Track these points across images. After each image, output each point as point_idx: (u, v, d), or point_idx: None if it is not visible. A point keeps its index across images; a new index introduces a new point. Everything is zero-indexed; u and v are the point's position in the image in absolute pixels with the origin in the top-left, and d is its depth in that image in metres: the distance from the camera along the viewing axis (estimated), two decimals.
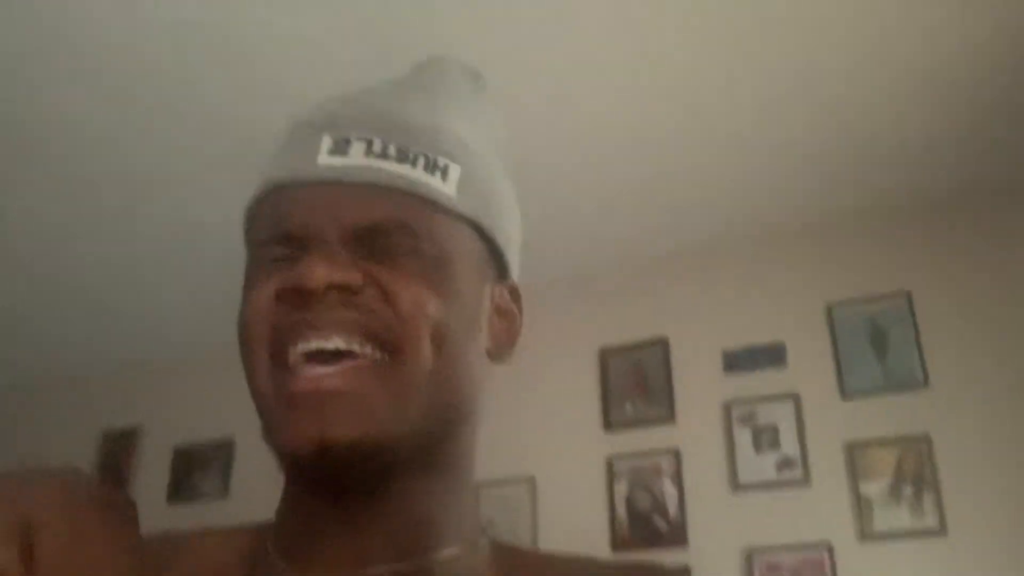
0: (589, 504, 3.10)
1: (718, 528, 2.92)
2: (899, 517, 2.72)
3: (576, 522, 3.09)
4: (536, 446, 3.18)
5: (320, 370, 0.52)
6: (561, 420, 3.25)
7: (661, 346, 3.25)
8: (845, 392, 2.93)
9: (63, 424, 4.24)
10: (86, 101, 2.58)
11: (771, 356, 3.07)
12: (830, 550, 2.74)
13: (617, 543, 3.02)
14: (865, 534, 2.73)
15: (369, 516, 0.57)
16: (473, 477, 0.63)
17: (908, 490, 2.74)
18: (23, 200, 3.04)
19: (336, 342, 0.53)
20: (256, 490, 3.44)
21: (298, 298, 0.53)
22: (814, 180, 2.96)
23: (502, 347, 0.64)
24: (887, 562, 2.68)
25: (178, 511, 3.69)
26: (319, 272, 0.52)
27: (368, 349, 0.53)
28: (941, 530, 2.65)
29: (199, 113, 2.64)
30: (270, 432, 0.54)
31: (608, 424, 3.22)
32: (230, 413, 3.65)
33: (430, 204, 0.57)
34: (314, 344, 0.53)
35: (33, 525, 0.47)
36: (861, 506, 2.77)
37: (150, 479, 3.90)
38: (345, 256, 0.55)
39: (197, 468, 3.86)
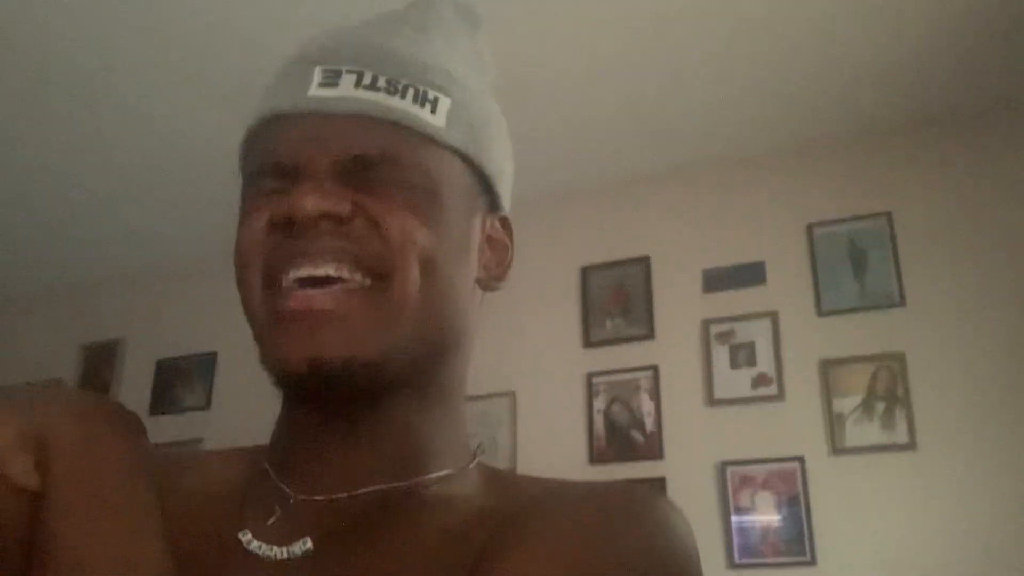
0: (568, 419, 3.16)
1: (693, 442, 2.98)
2: (870, 432, 2.78)
3: (555, 436, 3.15)
4: (517, 362, 3.22)
5: (312, 292, 0.54)
6: (542, 337, 3.29)
7: (642, 265, 3.27)
8: (822, 310, 2.97)
9: (44, 338, 4.24)
10: (63, 8, 2.51)
11: (750, 275, 3.09)
12: (802, 463, 2.81)
13: (595, 457, 3.09)
14: (836, 448, 2.80)
15: (363, 437, 0.59)
16: (463, 403, 0.65)
17: (880, 406, 2.80)
18: None
19: (326, 269, 0.54)
20: (238, 402, 3.48)
21: (290, 227, 0.55)
22: (796, 101, 2.94)
23: (493, 277, 0.66)
24: (857, 474, 2.76)
25: (161, 423, 3.72)
26: (309, 202, 0.54)
27: (358, 276, 0.55)
28: (911, 445, 2.72)
29: (183, 26, 2.57)
30: (264, 353, 0.56)
31: (588, 341, 3.25)
32: (212, 326, 3.66)
33: (419, 135, 0.58)
34: (305, 271, 0.55)
35: (48, 436, 0.48)
36: (833, 421, 2.83)
37: (132, 392, 3.92)
38: (335, 186, 0.56)
39: (179, 381, 3.88)
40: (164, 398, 3.88)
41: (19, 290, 4.34)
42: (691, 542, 0.55)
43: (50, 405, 0.49)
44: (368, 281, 0.55)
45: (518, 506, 0.55)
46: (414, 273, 0.56)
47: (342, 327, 0.54)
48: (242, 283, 0.58)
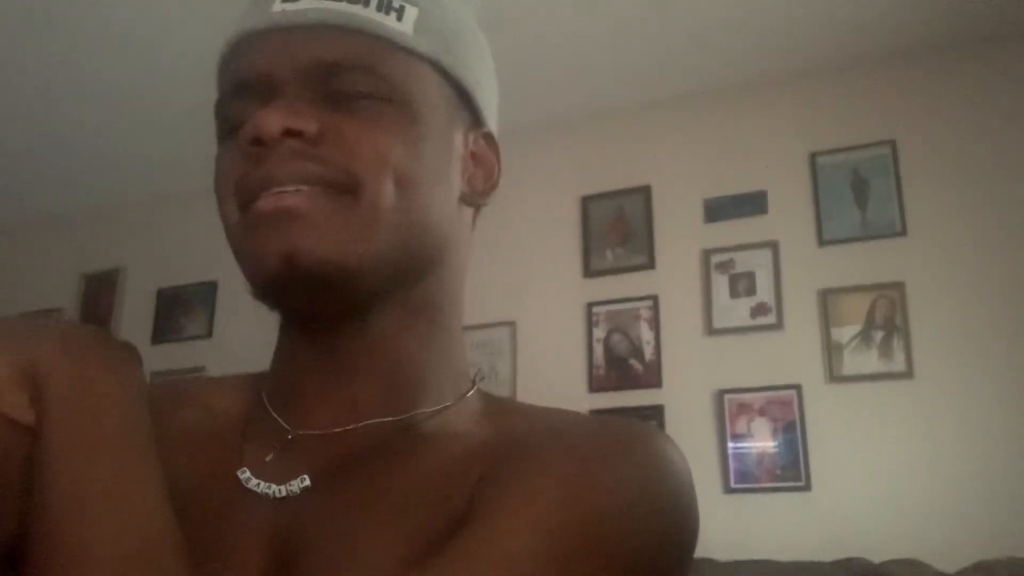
0: (568, 348, 3.18)
1: (692, 371, 3.01)
2: (868, 361, 2.80)
3: (555, 365, 3.17)
4: (517, 292, 3.22)
5: (288, 194, 0.54)
6: (542, 266, 3.28)
7: (643, 194, 3.25)
8: (823, 240, 2.96)
9: (44, 267, 4.23)
10: None
11: (752, 204, 3.08)
12: (799, 391, 2.84)
13: (594, 385, 3.11)
14: (834, 376, 2.83)
15: (353, 361, 0.59)
16: (458, 329, 0.64)
17: (878, 335, 2.82)
18: None
19: (298, 200, 0.54)
20: (240, 331, 3.50)
21: (257, 149, 0.54)
22: (800, 27, 2.88)
23: (478, 193, 0.64)
24: (853, 402, 2.79)
25: (162, 352, 3.74)
26: (273, 119, 0.53)
27: (331, 193, 0.55)
28: (907, 373, 2.75)
29: None
30: (243, 267, 0.56)
31: (588, 271, 3.25)
32: (213, 254, 3.64)
33: (385, 42, 0.57)
34: (274, 190, 0.54)
35: (41, 371, 0.47)
36: (831, 350, 2.85)
37: (133, 321, 3.94)
38: (303, 105, 0.55)
39: (180, 309, 3.90)
40: (166, 327, 3.90)
41: (19, 219, 4.32)
42: (687, 479, 0.55)
43: (44, 341, 0.48)
44: (340, 197, 0.55)
45: (515, 441, 0.55)
46: (388, 191, 0.55)
47: (315, 226, 0.53)
48: (221, 211, 0.58)
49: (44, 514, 0.45)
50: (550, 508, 0.49)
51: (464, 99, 0.63)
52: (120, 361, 0.51)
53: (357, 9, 0.57)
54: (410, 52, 0.59)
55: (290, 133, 0.54)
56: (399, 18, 0.58)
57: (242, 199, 0.56)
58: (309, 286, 0.54)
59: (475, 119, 0.65)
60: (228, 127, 0.58)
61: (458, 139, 0.62)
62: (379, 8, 0.58)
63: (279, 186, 0.54)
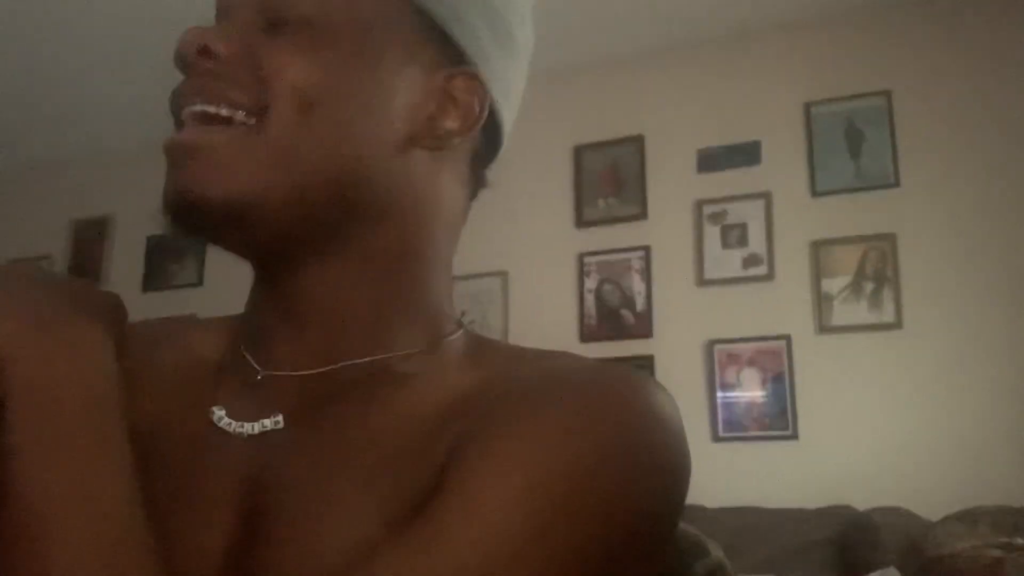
0: (560, 298, 3.18)
1: (683, 321, 3.02)
2: (857, 312, 2.82)
3: (546, 315, 3.18)
4: (509, 242, 3.22)
5: (188, 128, 0.54)
6: (534, 216, 3.28)
7: (636, 144, 3.23)
8: (816, 191, 2.96)
9: (33, 214, 4.20)
10: None
11: (745, 155, 3.06)
12: (788, 341, 2.86)
13: (585, 335, 3.13)
14: (823, 327, 2.84)
15: (306, 305, 0.58)
16: (432, 278, 0.61)
17: (869, 287, 2.83)
18: None
19: (205, 107, 0.54)
20: (231, 278, 3.47)
21: (182, 66, 0.55)
22: None
23: (441, 136, 0.59)
24: (842, 352, 2.81)
25: (153, 299, 3.74)
26: (191, 38, 0.54)
27: (240, 115, 0.54)
28: (896, 324, 2.76)
29: None
30: None
31: (580, 221, 3.24)
32: None
33: None
34: (187, 109, 0.54)
35: (4, 353, 0.44)
36: (821, 301, 2.86)
37: (124, 268, 3.93)
38: (231, 28, 0.56)
39: (171, 257, 3.88)
40: (156, 275, 3.89)
41: (8, 166, 4.27)
42: (679, 430, 0.54)
43: (7, 320, 0.45)
44: (249, 120, 0.54)
45: (498, 392, 0.53)
46: (288, 111, 0.53)
47: (211, 161, 0.53)
48: None
49: (6, 502, 0.43)
50: (533, 474, 0.47)
51: (435, 32, 0.59)
52: (92, 335, 0.49)
53: None
54: None
55: (205, 51, 0.54)
56: None
57: (175, 115, 0.57)
58: (201, 222, 0.54)
59: (454, 57, 0.60)
60: None
61: (411, 72, 0.58)
62: None
63: (191, 100, 0.54)
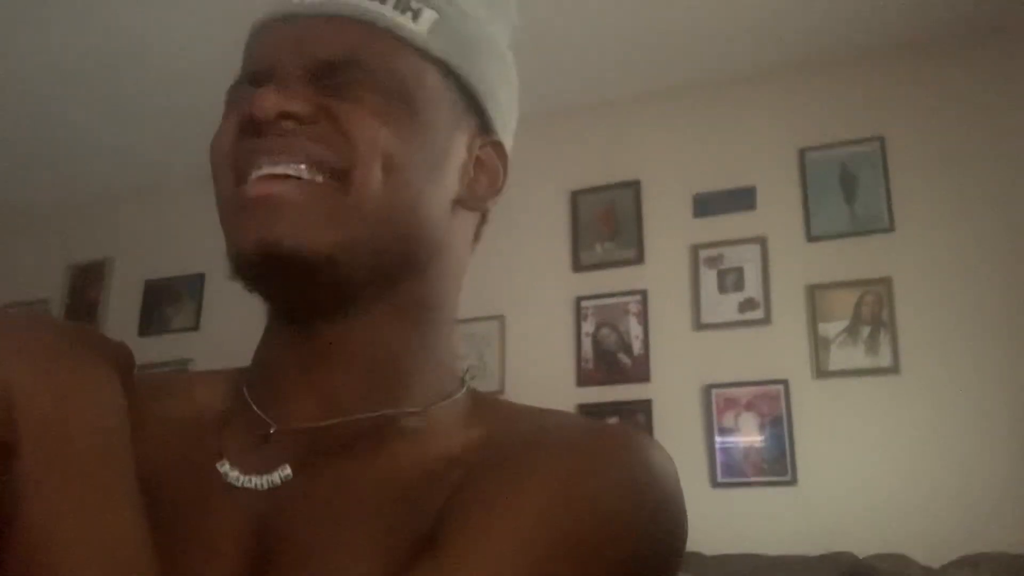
0: (557, 342, 3.18)
1: (680, 365, 3.01)
2: (854, 356, 2.82)
3: (543, 359, 3.17)
4: (506, 285, 3.22)
5: (272, 182, 0.55)
6: (531, 260, 3.28)
7: (633, 188, 3.25)
8: (811, 236, 2.97)
9: (31, 257, 4.20)
10: None
11: (741, 200, 3.08)
12: (786, 385, 2.85)
13: (582, 379, 3.12)
14: (820, 371, 2.84)
15: (334, 354, 0.58)
16: (450, 330, 0.64)
17: (865, 331, 2.83)
18: None
19: (286, 168, 0.54)
20: (227, 323, 3.48)
21: (253, 127, 0.55)
22: (789, 22, 2.89)
23: (478, 199, 0.64)
24: (840, 397, 2.80)
25: (149, 344, 3.72)
26: (270, 100, 0.54)
27: (319, 177, 0.55)
28: (894, 369, 2.76)
29: None
30: (227, 246, 0.56)
31: (577, 265, 3.25)
32: (201, 246, 3.63)
33: (395, 39, 0.58)
34: (266, 170, 0.55)
35: (15, 393, 0.45)
36: (818, 345, 2.86)
37: (120, 312, 3.92)
38: (301, 88, 0.56)
39: (168, 301, 3.88)
40: (152, 319, 3.88)
41: (5, 209, 4.28)
42: (674, 486, 0.54)
43: (18, 360, 0.46)
44: (329, 181, 0.55)
45: (498, 446, 0.54)
46: (375, 172, 0.55)
47: (295, 213, 0.54)
48: (215, 184, 0.59)
49: (17, 539, 0.43)
50: (530, 526, 0.48)
51: (474, 106, 0.63)
52: (100, 376, 0.49)
53: (374, 6, 0.58)
54: (422, 53, 0.60)
55: (285, 115, 0.55)
56: (415, 18, 0.59)
57: (237, 174, 0.57)
58: (283, 273, 0.55)
59: (485, 127, 0.65)
60: (229, 109, 0.60)
61: (459, 142, 0.62)
62: (396, 7, 0.59)
63: (272, 160, 0.55)
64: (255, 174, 0.55)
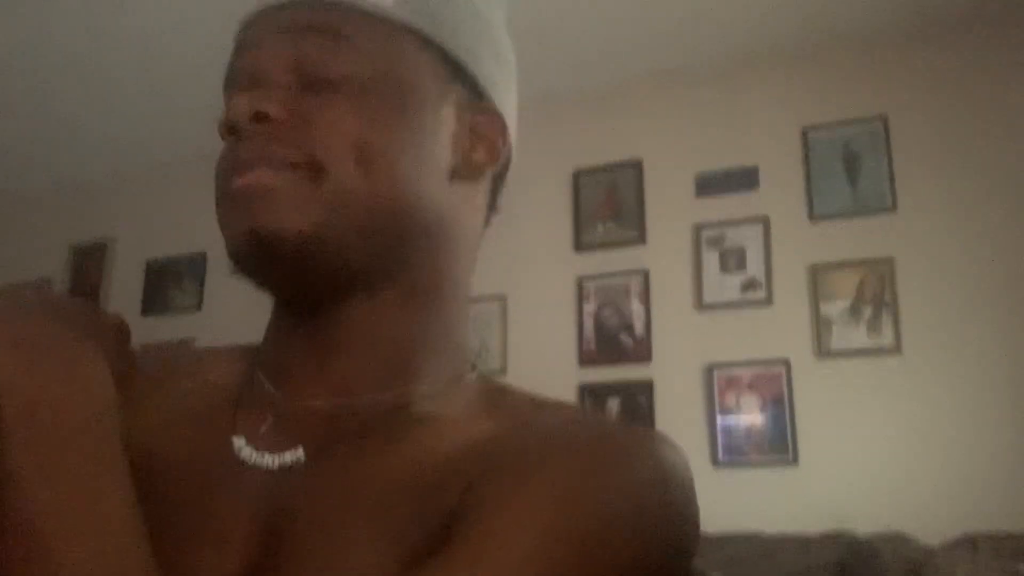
0: (558, 322, 3.18)
1: (682, 345, 3.01)
2: (856, 336, 2.82)
3: (545, 339, 3.18)
4: (508, 265, 3.22)
5: (253, 172, 0.55)
6: (533, 240, 3.28)
7: (635, 168, 3.24)
8: (813, 215, 2.97)
9: (33, 237, 4.20)
10: None
11: (743, 179, 3.07)
12: (787, 365, 2.85)
13: (584, 359, 3.12)
14: (822, 351, 2.84)
15: (341, 340, 0.58)
16: (461, 310, 0.64)
17: (867, 311, 2.83)
18: None
19: (262, 177, 0.55)
20: (230, 303, 3.48)
21: (231, 135, 0.56)
22: (793, 2, 2.87)
23: (476, 167, 0.63)
24: (841, 377, 2.80)
25: (151, 324, 3.73)
26: (241, 104, 0.55)
27: (295, 173, 0.55)
28: (896, 349, 2.76)
29: None
30: (224, 243, 0.57)
31: (579, 245, 3.25)
32: (203, 226, 3.62)
33: (365, 17, 0.58)
34: (244, 180, 0.55)
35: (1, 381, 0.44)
36: (820, 325, 2.86)
37: (122, 293, 3.92)
38: (276, 90, 0.57)
39: (170, 281, 3.88)
40: (155, 299, 3.88)
41: (7, 190, 4.28)
42: (689, 486, 0.54)
43: (2, 348, 0.45)
44: (306, 173, 0.55)
45: (511, 443, 0.54)
46: (347, 167, 0.55)
47: (273, 199, 0.54)
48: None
49: (7, 539, 0.43)
50: (545, 528, 0.48)
51: (460, 74, 0.62)
52: (88, 357, 0.48)
53: None
54: (393, 25, 0.59)
55: (258, 117, 0.55)
56: None
57: (220, 181, 0.58)
58: (275, 262, 0.55)
59: (474, 92, 0.63)
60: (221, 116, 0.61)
61: (447, 112, 0.61)
62: None
63: (249, 168, 0.55)
64: (235, 182, 0.56)
